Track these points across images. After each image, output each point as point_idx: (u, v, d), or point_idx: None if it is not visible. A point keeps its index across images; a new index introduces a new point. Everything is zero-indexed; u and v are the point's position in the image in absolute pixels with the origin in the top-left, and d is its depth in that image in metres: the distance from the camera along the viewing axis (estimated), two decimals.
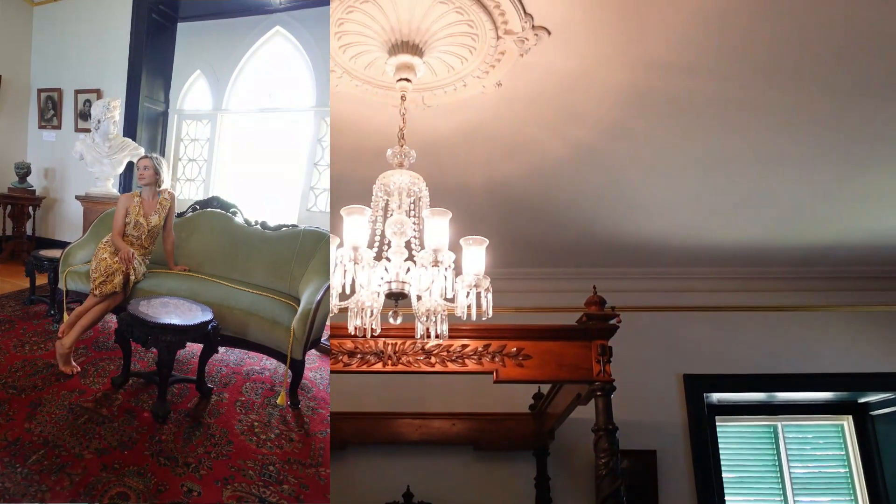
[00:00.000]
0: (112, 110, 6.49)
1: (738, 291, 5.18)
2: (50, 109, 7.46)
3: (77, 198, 6.81)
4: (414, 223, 2.54)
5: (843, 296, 5.17)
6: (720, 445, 4.96)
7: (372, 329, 2.45)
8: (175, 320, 3.66)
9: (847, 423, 5.17)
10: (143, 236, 4.49)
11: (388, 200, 2.57)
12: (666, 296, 5.18)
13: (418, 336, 2.51)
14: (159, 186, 4.57)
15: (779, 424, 5.17)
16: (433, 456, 4.76)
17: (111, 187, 6.70)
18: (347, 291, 2.41)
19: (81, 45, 7.25)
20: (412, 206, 2.58)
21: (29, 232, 7.27)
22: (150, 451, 3.29)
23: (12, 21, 7.31)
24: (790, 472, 5.03)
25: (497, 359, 3.19)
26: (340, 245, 2.45)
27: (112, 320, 4.51)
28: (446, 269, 2.43)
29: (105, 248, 4.29)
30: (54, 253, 5.10)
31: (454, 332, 2.99)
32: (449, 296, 2.47)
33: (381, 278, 2.44)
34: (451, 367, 3.19)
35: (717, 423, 5.05)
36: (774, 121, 3.37)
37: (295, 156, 6.85)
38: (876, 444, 4.99)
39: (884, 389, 4.95)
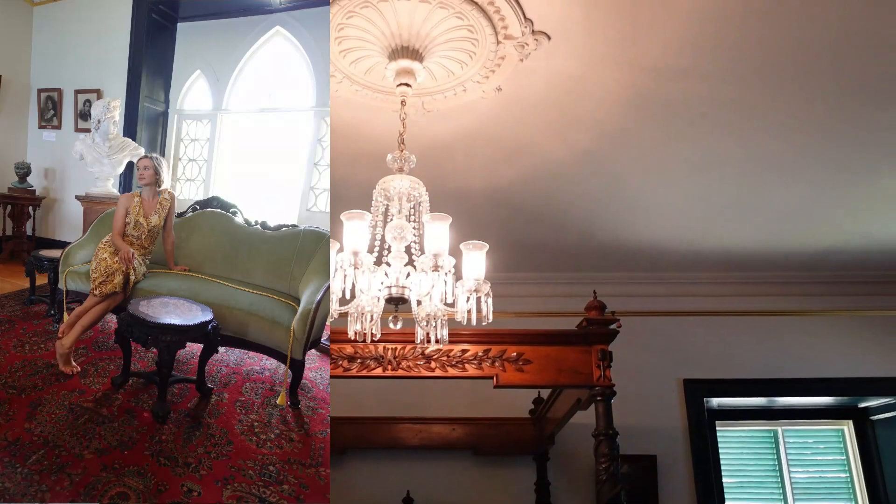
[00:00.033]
0: (112, 110, 6.49)
1: (738, 296, 5.18)
2: (50, 109, 7.45)
3: (77, 198, 6.80)
4: (414, 228, 2.54)
5: (843, 300, 5.16)
6: (720, 450, 4.96)
7: (372, 334, 2.46)
8: (175, 320, 3.66)
9: (847, 427, 5.16)
10: (143, 236, 4.49)
11: (388, 205, 2.57)
12: (666, 300, 5.18)
13: (418, 341, 2.52)
14: (159, 186, 4.57)
15: (779, 429, 5.16)
16: (433, 461, 4.75)
17: (111, 187, 6.70)
18: (347, 296, 2.41)
19: (81, 45, 7.24)
20: (412, 210, 2.58)
21: (29, 232, 7.26)
22: (150, 451, 3.29)
23: (12, 21, 7.30)
24: (790, 477, 5.02)
25: (497, 363, 3.19)
26: (340, 250, 2.44)
27: (112, 320, 4.50)
28: (446, 273, 2.44)
29: (105, 248, 4.29)
30: (54, 253, 5.10)
31: (454, 337, 2.98)
32: (449, 300, 2.47)
33: (382, 283, 2.45)
34: (451, 371, 3.18)
35: (718, 428, 5.05)
36: (774, 125, 3.37)
37: (295, 156, 6.84)
38: (876, 448, 4.98)
39: (884, 394, 4.95)
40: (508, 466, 4.74)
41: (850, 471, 5.06)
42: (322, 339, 4.33)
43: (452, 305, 2.50)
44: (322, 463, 3.46)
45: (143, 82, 7.00)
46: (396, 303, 2.45)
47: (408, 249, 2.52)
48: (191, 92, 7.50)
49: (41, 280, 5.34)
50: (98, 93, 7.16)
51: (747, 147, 3.57)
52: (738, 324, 5.15)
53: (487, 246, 2.59)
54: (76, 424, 3.42)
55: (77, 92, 7.30)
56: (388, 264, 2.48)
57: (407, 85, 2.75)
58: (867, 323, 5.13)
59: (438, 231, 2.48)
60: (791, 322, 5.16)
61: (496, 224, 4.40)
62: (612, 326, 3.25)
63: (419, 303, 2.49)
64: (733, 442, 5.14)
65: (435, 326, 2.49)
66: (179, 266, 4.87)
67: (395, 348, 3.18)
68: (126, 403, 3.77)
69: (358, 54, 2.83)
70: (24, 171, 7.13)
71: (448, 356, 3.18)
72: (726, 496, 4.87)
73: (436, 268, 2.42)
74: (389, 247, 2.50)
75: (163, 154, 7.05)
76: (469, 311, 2.50)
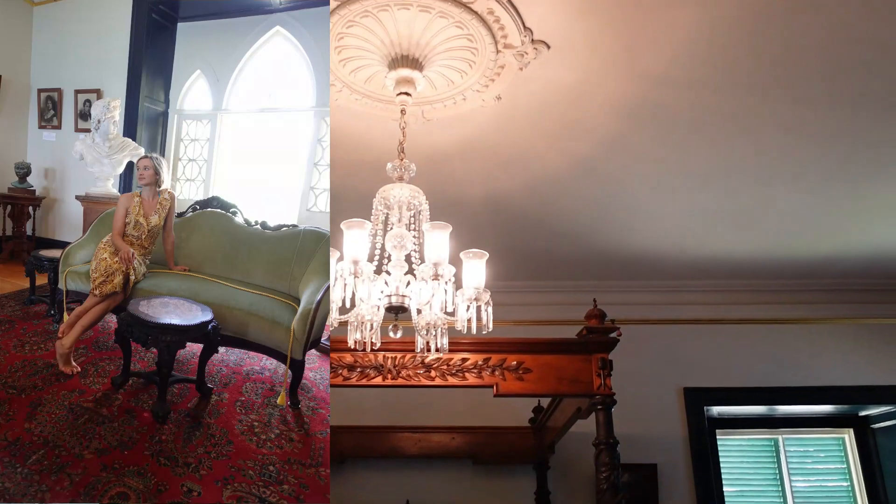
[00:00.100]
0: (112, 110, 6.48)
1: (738, 304, 5.17)
2: (50, 109, 7.44)
3: (77, 198, 6.80)
4: (414, 237, 2.54)
5: (843, 308, 5.16)
6: (721, 459, 4.94)
7: (372, 343, 2.45)
8: (175, 320, 3.67)
9: (848, 436, 5.15)
10: (143, 236, 4.49)
11: (388, 214, 2.57)
12: (666, 309, 5.17)
13: (418, 350, 2.51)
14: (159, 186, 4.57)
15: (779, 438, 5.15)
16: (432, 470, 4.74)
17: (111, 187, 6.69)
18: (347, 305, 2.41)
19: (81, 45, 7.22)
20: (412, 219, 2.57)
21: (29, 232, 7.25)
22: (150, 451, 3.30)
23: (12, 21, 7.28)
24: (791, 486, 5.01)
25: (497, 372, 3.18)
26: (340, 258, 2.44)
27: (112, 320, 4.51)
28: (446, 282, 2.43)
29: (105, 248, 4.29)
30: (54, 253, 5.10)
31: (454, 346, 2.99)
32: (449, 309, 2.46)
33: (381, 292, 2.44)
34: (451, 380, 3.17)
35: (718, 437, 5.04)
36: (773, 134, 3.37)
37: (295, 156, 6.84)
38: (877, 457, 4.97)
39: (885, 402, 4.94)
40: (508, 475, 4.73)
41: (850, 479, 5.05)
42: (322, 339, 4.33)
43: (452, 314, 2.49)
44: (322, 463, 3.47)
45: (143, 82, 6.99)
46: (396, 311, 2.44)
47: (408, 258, 2.51)
48: (191, 92, 7.49)
49: (41, 280, 5.34)
50: (98, 93, 7.15)
51: (746, 156, 3.57)
52: (739, 332, 5.15)
53: (487, 255, 2.59)
54: (76, 424, 3.44)
55: (77, 92, 7.29)
56: (388, 273, 2.47)
57: (407, 94, 2.75)
58: (868, 331, 5.12)
59: (438, 240, 2.47)
60: (791, 330, 5.15)
61: (496, 232, 4.40)
62: (612, 335, 3.24)
63: (419, 311, 2.48)
64: (734, 450, 5.13)
65: (435, 335, 2.48)
66: (179, 266, 4.87)
67: (395, 357, 3.16)
68: (126, 403, 3.78)
69: (358, 63, 2.83)
70: (24, 171, 7.12)
71: (448, 365, 3.17)
72: None
73: (436, 276, 2.41)
74: (389, 255, 2.49)
75: (163, 154, 7.04)
76: (469, 320, 2.49)
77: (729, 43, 2.74)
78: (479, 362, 3.19)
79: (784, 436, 5.16)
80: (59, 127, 7.46)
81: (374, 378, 3.17)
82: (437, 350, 2.50)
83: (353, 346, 2.44)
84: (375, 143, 3.45)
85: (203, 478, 3.15)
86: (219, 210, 5.23)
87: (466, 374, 3.18)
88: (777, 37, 2.71)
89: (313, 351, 4.55)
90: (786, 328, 5.16)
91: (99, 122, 6.47)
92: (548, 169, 3.72)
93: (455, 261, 2.52)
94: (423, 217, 2.58)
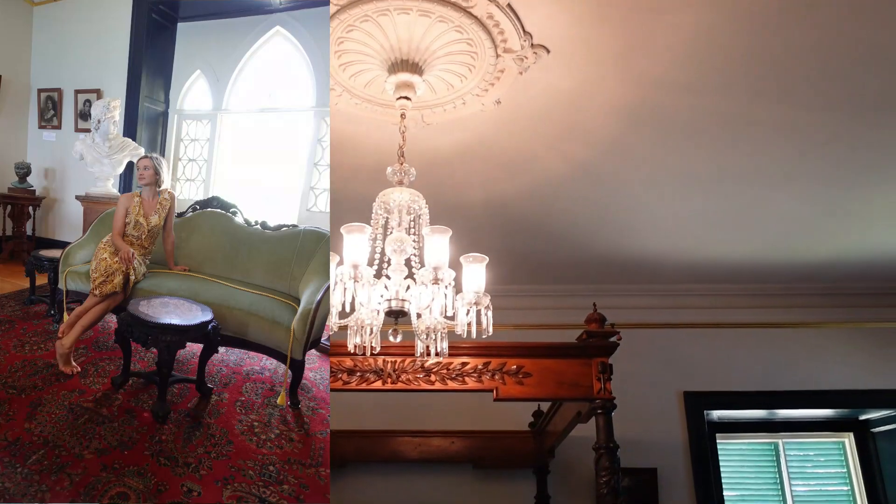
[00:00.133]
0: (112, 110, 6.48)
1: (737, 308, 5.17)
2: (50, 109, 7.43)
3: (77, 198, 6.80)
4: (414, 241, 2.53)
5: (842, 312, 5.15)
6: (721, 463, 4.94)
7: (372, 347, 2.45)
8: (175, 320, 3.67)
9: (848, 440, 5.15)
10: (143, 236, 4.49)
11: (388, 218, 2.57)
12: (666, 313, 5.17)
13: (418, 354, 2.51)
14: (159, 186, 4.57)
15: (780, 442, 5.15)
16: (432, 474, 4.74)
17: (111, 187, 6.69)
18: (347, 309, 2.41)
19: (81, 45, 7.21)
20: (412, 223, 2.57)
21: (29, 232, 7.24)
22: (150, 451, 3.31)
23: (12, 21, 7.27)
24: (791, 490, 5.01)
25: (497, 376, 3.17)
26: (340, 263, 2.44)
27: (112, 320, 4.50)
28: (446, 286, 2.43)
29: (105, 248, 4.29)
30: (54, 253, 5.09)
31: (454, 350, 2.97)
32: (449, 313, 2.46)
33: (381, 296, 2.44)
34: (451, 384, 3.16)
35: (718, 441, 5.03)
36: (771, 137, 3.37)
37: (295, 156, 6.84)
38: (877, 461, 4.97)
39: (885, 406, 4.93)
40: (508, 480, 4.72)
41: (851, 483, 5.05)
42: (322, 339, 4.33)
43: (452, 318, 2.49)
44: (322, 463, 3.47)
45: (143, 82, 6.98)
46: (396, 316, 2.44)
47: (408, 262, 2.51)
48: (191, 92, 7.49)
49: (41, 280, 5.33)
50: (98, 93, 7.14)
51: (745, 160, 3.57)
52: (739, 336, 5.14)
53: (487, 259, 2.59)
54: (76, 424, 3.44)
55: (77, 92, 7.28)
56: (388, 277, 2.47)
57: (407, 98, 2.74)
58: (867, 334, 5.12)
59: (438, 244, 2.47)
60: (791, 334, 5.14)
61: (496, 236, 4.40)
62: (612, 339, 3.23)
63: (419, 316, 2.48)
64: (734, 454, 5.13)
65: (435, 339, 2.49)
66: (179, 266, 4.87)
67: (395, 361, 3.16)
68: (126, 403, 3.78)
69: (358, 68, 2.82)
70: (24, 171, 7.12)
71: (448, 369, 3.16)
72: None
73: (436, 280, 2.41)
74: (389, 260, 2.49)
75: (163, 154, 7.04)
76: (469, 324, 2.50)
77: (726, 46, 2.74)
78: (479, 366, 3.18)
79: (784, 440, 5.16)
80: (59, 127, 7.45)
81: (373, 382, 3.16)
82: (436, 354, 2.51)
83: (353, 351, 2.44)
84: (375, 147, 3.44)
85: (203, 478, 3.15)
86: (219, 210, 5.23)
87: (466, 379, 3.17)
88: (774, 40, 2.71)
89: (313, 351, 4.56)
90: (785, 332, 5.15)
91: (99, 122, 6.47)
92: (547, 172, 3.71)
93: (455, 265, 2.51)
94: (423, 221, 2.58)
